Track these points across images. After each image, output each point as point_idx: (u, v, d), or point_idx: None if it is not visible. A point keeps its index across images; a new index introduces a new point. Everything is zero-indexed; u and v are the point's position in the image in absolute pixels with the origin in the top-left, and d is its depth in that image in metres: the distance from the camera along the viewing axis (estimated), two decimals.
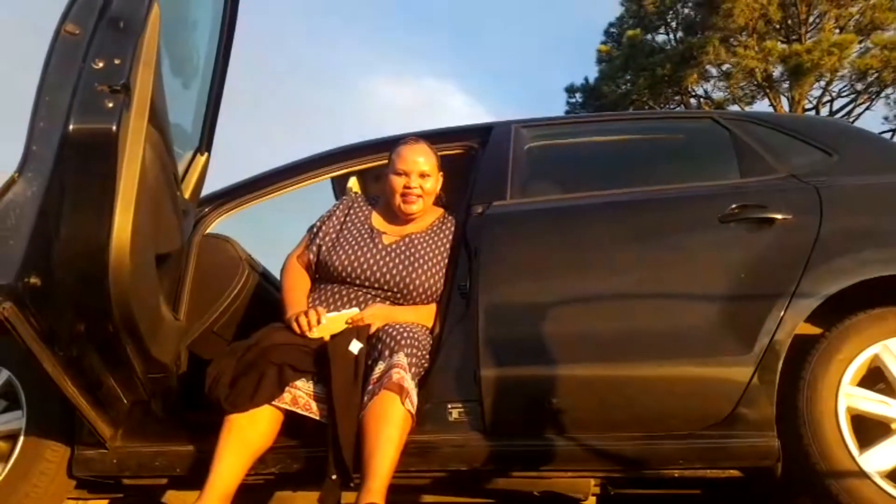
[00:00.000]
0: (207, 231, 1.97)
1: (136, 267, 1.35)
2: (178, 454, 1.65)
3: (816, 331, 1.61)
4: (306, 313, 1.66)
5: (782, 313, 1.55)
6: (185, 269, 1.82)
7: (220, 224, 2.01)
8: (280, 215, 2.18)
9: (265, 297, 1.99)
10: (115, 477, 1.71)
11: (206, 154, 1.96)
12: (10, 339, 1.41)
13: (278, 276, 1.93)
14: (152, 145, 1.44)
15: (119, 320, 1.37)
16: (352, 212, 1.91)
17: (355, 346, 1.58)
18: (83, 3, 1.35)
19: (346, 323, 1.65)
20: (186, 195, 1.85)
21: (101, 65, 1.30)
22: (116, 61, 1.29)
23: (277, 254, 1.97)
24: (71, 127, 1.28)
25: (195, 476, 1.57)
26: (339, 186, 2.33)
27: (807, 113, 12.75)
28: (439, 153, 1.92)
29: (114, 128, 1.26)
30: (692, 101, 14.18)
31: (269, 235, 2.32)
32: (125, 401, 1.61)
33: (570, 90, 15.48)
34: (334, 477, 1.49)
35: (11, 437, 1.69)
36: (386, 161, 1.93)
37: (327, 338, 1.62)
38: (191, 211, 1.90)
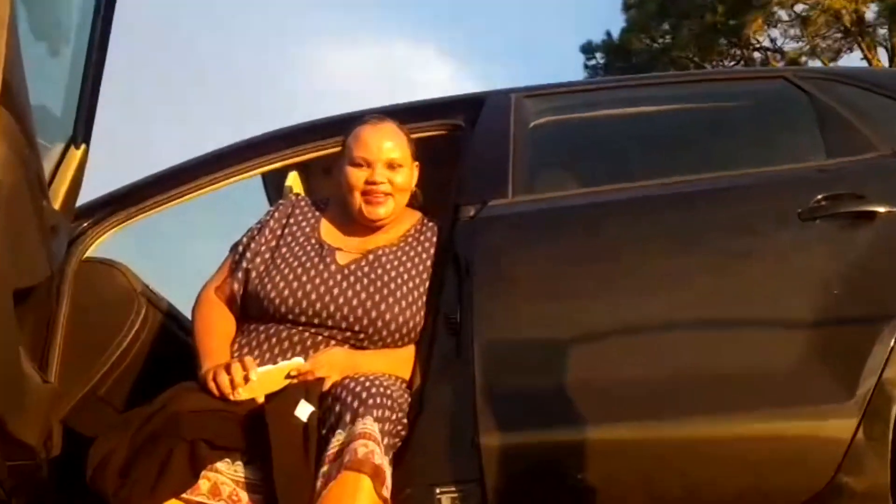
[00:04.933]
0: (88, 254, 1.98)
1: None
2: None
3: None
4: (229, 367, 1.65)
5: (892, 342, 1.58)
6: (56, 310, 1.81)
7: (106, 244, 2.02)
8: (190, 229, 2.21)
9: (170, 346, 1.99)
10: None
11: (83, 146, 1.93)
12: None
13: (189, 316, 1.93)
14: (5, 135, 1.43)
15: None
16: (292, 221, 1.92)
17: (304, 411, 1.59)
18: None
19: (289, 378, 1.67)
20: (56, 204, 1.82)
21: None
22: None
23: (187, 284, 2.01)
24: None
25: None
26: (274, 185, 2.34)
27: None
28: (413, 135, 1.94)
29: None
30: (756, 55, 14.35)
31: (176, 258, 2.38)
32: None
33: (588, 49, 15.67)
34: None
35: None
36: (339, 148, 1.95)
37: (261, 399, 1.63)
38: (63, 226, 1.88)
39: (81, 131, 1.95)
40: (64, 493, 1.72)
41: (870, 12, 13.41)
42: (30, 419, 1.56)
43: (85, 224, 2.00)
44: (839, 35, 13.99)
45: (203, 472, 1.57)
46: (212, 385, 1.64)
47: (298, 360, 1.70)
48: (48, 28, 1.82)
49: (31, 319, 1.66)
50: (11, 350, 1.50)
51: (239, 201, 2.21)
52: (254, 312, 1.82)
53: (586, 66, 15.67)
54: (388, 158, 1.87)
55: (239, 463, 1.61)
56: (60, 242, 1.86)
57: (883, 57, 13.43)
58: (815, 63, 13.36)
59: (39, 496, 1.69)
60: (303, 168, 2.26)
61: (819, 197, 1.71)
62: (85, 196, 2.00)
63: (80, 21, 1.93)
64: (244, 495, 1.59)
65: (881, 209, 1.69)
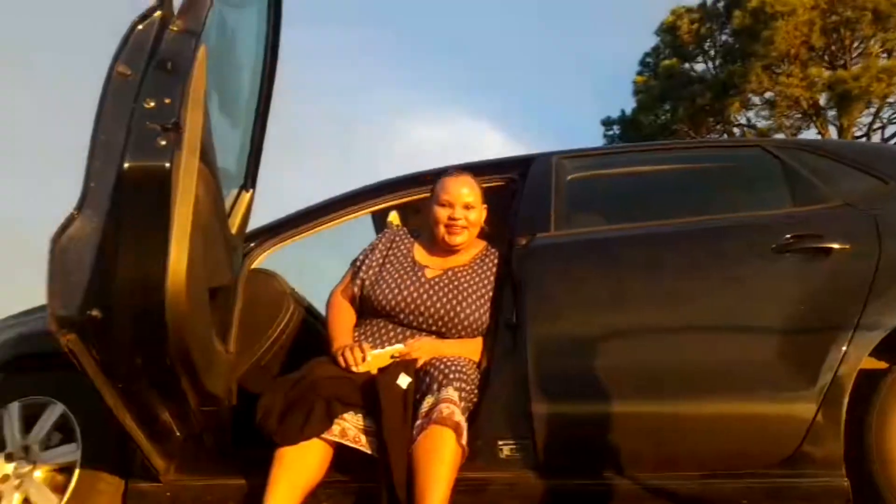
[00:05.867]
0: (254, 266, 2.01)
1: (191, 301, 1.40)
2: (230, 488, 1.68)
3: (883, 365, 1.59)
4: (352, 348, 1.68)
5: (845, 347, 1.55)
6: (234, 303, 1.84)
7: (266, 259, 2.05)
8: (323, 250, 2.22)
9: (310, 332, 2.01)
10: None
11: (250, 191, 2.02)
12: (65, 373, 1.47)
13: (323, 311, 1.95)
14: (203, 182, 1.50)
15: (174, 354, 1.42)
16: (394, 245, 1.92)
17: (404, 381, 1.60)
18: (134, 45, 1.42)
19: (393, 358, 1.68)
20: (233, 231, 1.89)
21: (152, 104, 1.36)
22: (167, 101, 1.36)
23: (321, 288, 2.00)
24: (126, 165, 1.33)
25: None
26: (379, 221, 2.34)
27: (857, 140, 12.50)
28: (482, 185, 1.94)
29: (167, 165, 1.32)
30: (735, 130, 13.99)
31: (313, 270, 2.36)
32: (179, 434, 1.65)
33: (607, 123, 15.45)
34: None
35: (67, 470, 1.77)
36: (426, 195, 1.96)
37: (374, 372, 1.65)
38: (238, 246, 1.95)
39: (249, 181, 2.04)
40: (237, 432, 1.75)
41: (822, 98, 13.03)
42: (218, 378, 1.63)
43: (252, 245, 2.04)
44: (799, 116, 13.59)
45: (335, 420, 1.61)
46: (340, 360, 1.67)
47: (399, 346, 1.71)
48: (228, 108, 1.90)
49: (219, 309, 1.71)
50: (207, 331, 1.58)
51: (354, 232, 2.23)
52: (368, 311, 1.84)
53: (605, 135, 15.43)
54: (466, 201, 1.87)
55: (360, 415, 1.63)
56: (237, 258, 1.94)
57: (833, 133, 12.99)
58: (781, 136, 12.97)
59: (221, 433, 1.73)
60: (401, 208, 2.24)
61: (788, 235, 1.69)
62: (252, 224, 2.07)
63: (248, 103, 2.01)
64: (363, 437, 1.62)
65: (835, 246, 1.66)
